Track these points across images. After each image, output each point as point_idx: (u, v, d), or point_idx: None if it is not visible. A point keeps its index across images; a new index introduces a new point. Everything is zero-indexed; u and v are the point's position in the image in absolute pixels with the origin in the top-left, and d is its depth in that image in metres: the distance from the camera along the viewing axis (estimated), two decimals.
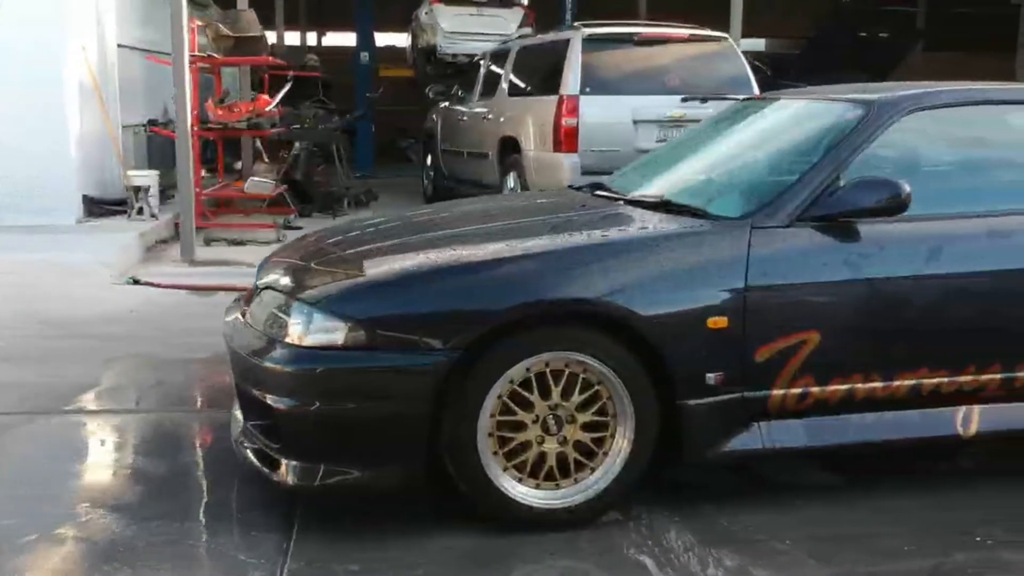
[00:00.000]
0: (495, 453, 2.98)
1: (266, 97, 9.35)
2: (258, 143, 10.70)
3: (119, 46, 9.34)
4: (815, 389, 3.16)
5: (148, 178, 8.81)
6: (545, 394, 3.00)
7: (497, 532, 3.00)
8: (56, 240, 7.51)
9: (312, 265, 3.35)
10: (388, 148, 16.93)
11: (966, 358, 3.26)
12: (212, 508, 3.25)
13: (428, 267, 3.06)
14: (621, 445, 3.06)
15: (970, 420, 3.31)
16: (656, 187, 3.73)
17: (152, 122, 10.21)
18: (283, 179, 10.05)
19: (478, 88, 10.37)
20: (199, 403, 4.44)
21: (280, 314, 3.10)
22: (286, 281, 3.28)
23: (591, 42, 8.36)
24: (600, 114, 8.12)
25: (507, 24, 13.84)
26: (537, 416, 3.01)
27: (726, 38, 8.79)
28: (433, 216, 4.11)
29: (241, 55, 9.28)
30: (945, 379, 3.25)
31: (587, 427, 3.05)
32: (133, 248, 7.64)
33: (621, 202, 3.67)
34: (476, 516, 3.04)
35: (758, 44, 20.23)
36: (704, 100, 8.31)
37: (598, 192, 3.92)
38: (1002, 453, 3.73)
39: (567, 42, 8.45)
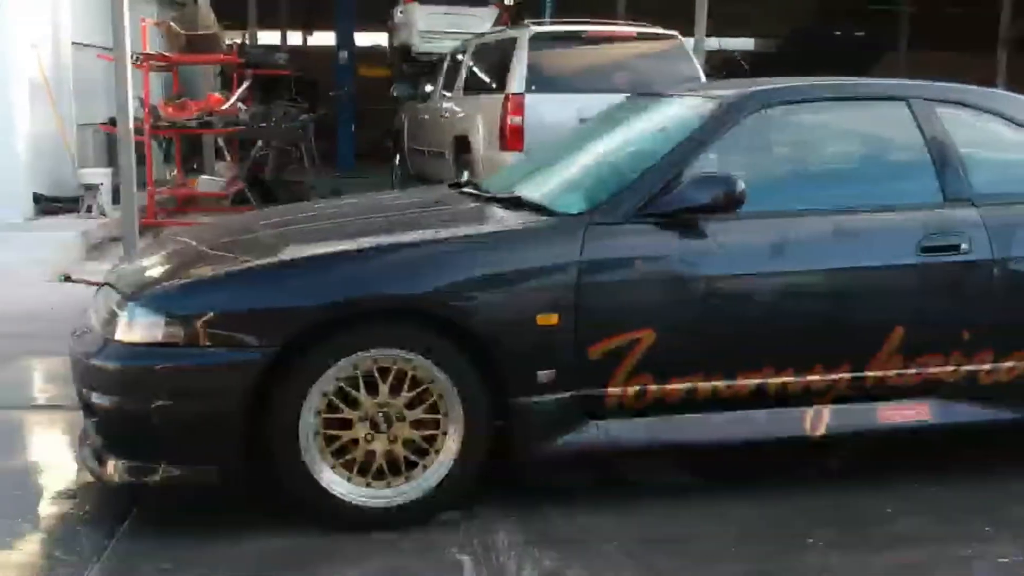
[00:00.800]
0: (321, 451, 2.96)
1: (217, 95, 9.36)
2: (220, 141, 10.70)
3: (74, 44, 9.35)
4: (653, 387, 3.12)
5: (100, 176, 8.83)
6: (374, 392, 2.98)
7: (321, 531, 2.98)
8: None
9: (143, 263, 3.35)
10: (379, 147, 16.94)
11: (813, 357, 3.22)
12: (52, 505, 3.24)
13: (248, 264, 3.04)
14: (453, 443, 3.03)
15: (820, 420, 3.27)
16: (519, 184, 3.70)
17: (112, 121, 10.22)
18: (249, 177, 10.06)
19: (439, 87, 10.37)
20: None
21: (112, 310, 3.09)
22: (122, 278, 3.26)
23: (538, 40, 8.32)
24: (546, 112, 8.07)
25: (481, 23, 13.82)
26: (365, 414, 2.99)
27: (675, 36, 8.73)
28: (301, 214, 4.05)
29: (194, 52, 9.28)
30: (792, 378, 3.21)
31: (418, 425, 3.02)
32: (74, 246, 7.65)
33: (478, 199, 3.64)
34: (306, 514, 3.02)
35: (748, 44, 20.19)
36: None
37: (464, 189, 3.89)
38: (869, 454, 3.69)
39: (514, 40, 8.42)
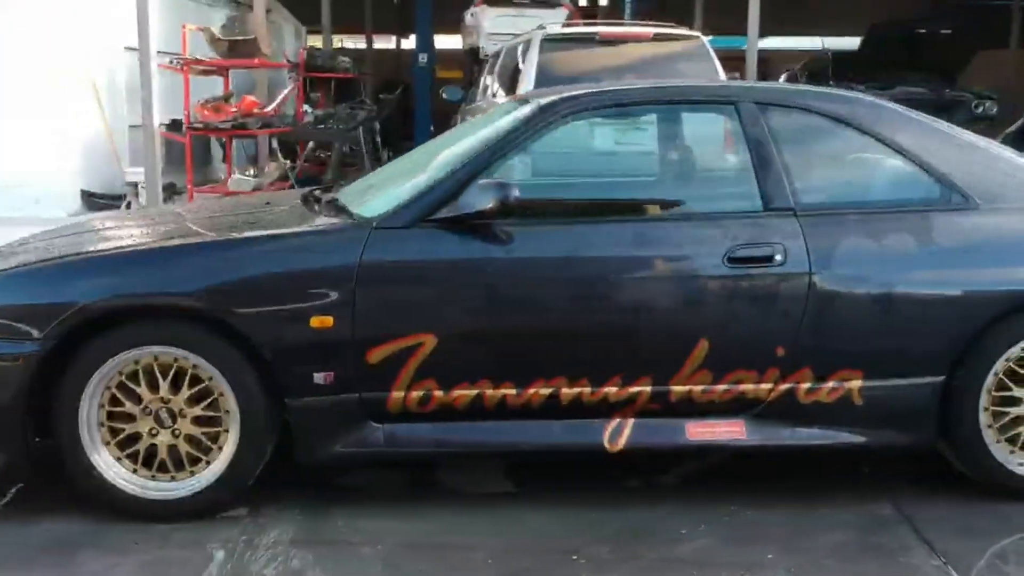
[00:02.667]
0: (106, 442, 3.08)
1: (251, 98, 9.70)
2: (274, 143, 11.08)
3: (127, 48, 9.84)
4: (439, 393, 3.10)
5: (142, 175, 9.30)
6: (156, 388, 3.08)
7: (98, 519, 3.09)
8: (25, 231, 8.02)
9: None
10: None
11: (609, 369, 3.12)
12: None
13: (37, 259, 3.18)
14: (232, 441, 3.09)
15: (620, 433, 3.17)
16: (367, 190, 3.70)
17: (173, 124, 10.75)
18: (309, 175, 10.39)
19: (480, 90, 10.45)
20: None
21: None
22: None
23: (550, 42, 8.30)
24: None
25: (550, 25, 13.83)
26: (148, 408, 3.08)
27: (697, 36, 8.54)
28: (186, 211, 4.15)
29: (236, 57, 9.65)
30: (587, 389, 3.12)
31: (200, 422, 3.10)
32: None
33: (306, 203, 3.64)
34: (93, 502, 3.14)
35: (842, 43, 19.41)
36: None
37: (312, 194, 3.91)
38: (709, 470, 3.55)
39: (529, 42, 8.41)
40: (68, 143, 9.11)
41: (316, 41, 17.65)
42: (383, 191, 3.38)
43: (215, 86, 11.05)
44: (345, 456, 3.12)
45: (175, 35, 10.65)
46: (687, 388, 3.14)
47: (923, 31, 13.42)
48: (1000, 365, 3.19)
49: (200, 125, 9.11)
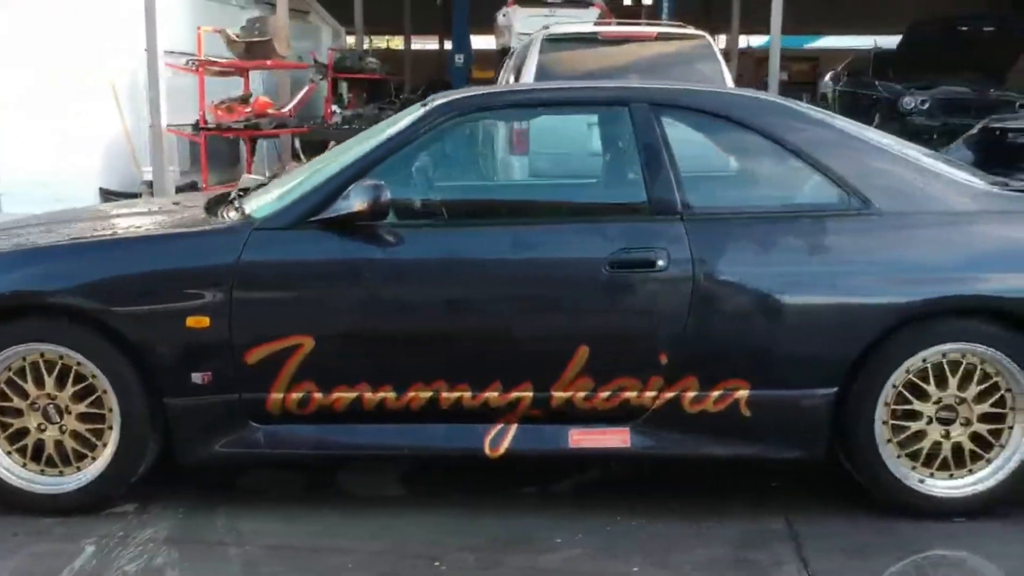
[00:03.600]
0: None
1: (264, 99, 9.83)
2: (297, 143, 11.23)
3: (147, 51, 10.07)
4: (318, 395, 3.09)
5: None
6: (43, 384, 3.13)
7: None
8: None
9: None
10: None
11: (489, 374, 3.08)
12: None
13: None
14: (115, 438, 3.13)
15: (502, 439, 3.12)
16: (265, 190, 3.69)
17: (195, 125, 10.95)
18: None
19: None
20: None
21: None
22: None
23: (552, 42, 8.26)
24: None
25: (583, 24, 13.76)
26: (36, 404, 3.14)
27: (703, 36, 8.40)
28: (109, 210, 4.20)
29: (252, 58, 9.79)
30: (467, 394, 3.08)
31: (84, 418, 3.14)
32: None
33: (208, 204, 3.65)
34: None
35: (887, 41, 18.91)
36: None
37: (228, 195, 3.91)
38: (627, 477, 3.48)
39: (532, 42, 8.38)
40: (88, 143, 9.34)
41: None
42: (279, 192, 3.39)
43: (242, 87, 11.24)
44: (225, 456, 3.13)
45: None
46: (569, 395, 3.08)
47: (965, 28, 13.01)
48: (899, 377, 3.06)
49: (213, 126, 9.25)
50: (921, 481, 3.11)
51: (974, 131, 4.44)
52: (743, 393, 3.05)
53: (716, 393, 3.06)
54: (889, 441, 3.10)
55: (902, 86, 12.97)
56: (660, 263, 3.02)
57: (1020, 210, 3.14)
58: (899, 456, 3.11)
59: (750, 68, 21.07)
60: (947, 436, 3.10)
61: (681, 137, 3.18)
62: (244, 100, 10.11)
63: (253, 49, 9.74)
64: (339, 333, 3.07)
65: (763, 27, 21.02)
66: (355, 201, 2.99)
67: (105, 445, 3.15)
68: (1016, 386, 3.07)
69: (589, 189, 3.27)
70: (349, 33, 17.70)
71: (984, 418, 3.10)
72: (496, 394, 3.09)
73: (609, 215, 3.15)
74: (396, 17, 18.10)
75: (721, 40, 21.60)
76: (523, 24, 14.19)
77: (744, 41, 22.00)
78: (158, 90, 8.22)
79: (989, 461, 3.12)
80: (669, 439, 3.10)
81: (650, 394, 3.07)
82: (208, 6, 11.43)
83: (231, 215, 3.32)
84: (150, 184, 9.36)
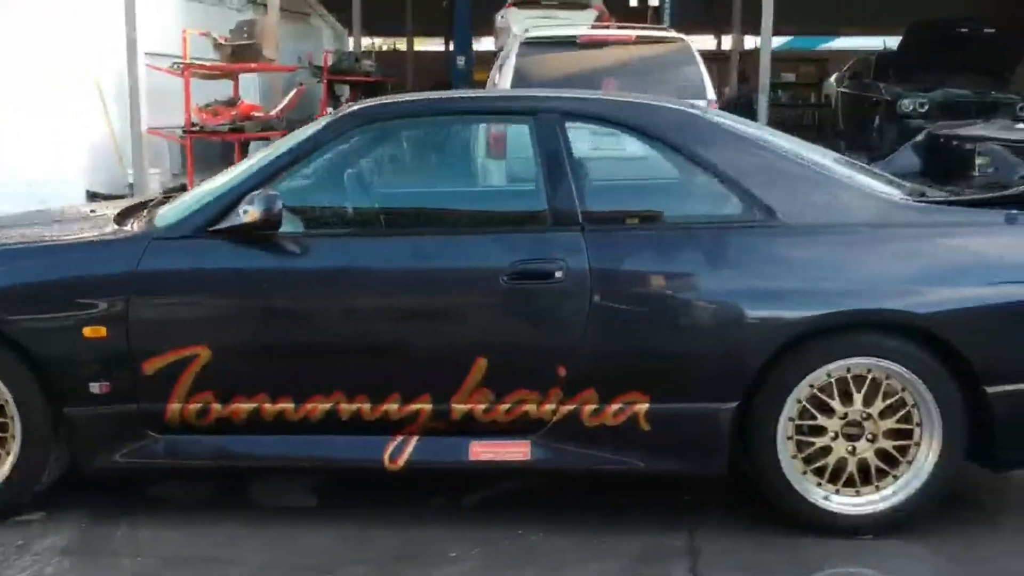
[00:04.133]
0: None
1: (248, 102, 9.86)
2: None
3: (147, 53, 10.10)
4: (216, 406, 3.08)
5: (148, 174, 9.55)
6: None
7: None
8: None
9: None
10: None
11: (388, 386, 3.05)
12: None
13: None
14: (16, 447, 3.12)
15: (402, 451, 3.09)
16: (187, 200, 3.66)
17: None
18: None
19: None
20: None
21: None
22: None
23: (529, 46, 8.23)
24: None
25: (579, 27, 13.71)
26: None
27: (681, 39, 8.34)
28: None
29: (238, 61, 9.83)
30: (367, 406, 3.06)
31: None
32: None
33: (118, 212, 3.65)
34: None
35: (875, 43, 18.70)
36: None
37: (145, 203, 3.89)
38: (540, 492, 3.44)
39: (512, 45, 8.35)
40: (74, 144, 9.40)
41: (364, 44, 17.89)
42: (187, 201, 3.38)
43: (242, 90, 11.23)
44: (125, 466, 3.13)
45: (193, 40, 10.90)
46: (468, 407, 3.05)
47: (966, 30, 12.84)
48: (803, 392, 3.01)
49: (198, 128, 9.30)
50: (826, 498, 3.06)
51: (920, 137, 4.37)
52: (642, 407, 3.01)
53: (615, 407, 3.02)
54: (794, 457, 3.05)
55: (901, 88, 12.84)
56: (558, 274, 2.99)
57: (927, 223, 3.08)
58: (804, 472, 3.05)
59: (756, 68, 20.90)
60: (853, 452, 3.05)
61: (586, 147, 3.15)
62: (231, 103, 10.15)
63: (239, 52, 9.77)
64: (236, 344, 3.06)
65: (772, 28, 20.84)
66: (249, 211, 2.98)
67: (9, 453, 3.15)
68: (922, 402, 3.01)
69: (492, 198, 3.24)
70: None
71: (890, 434, 3.04)
72: (395, 406, 3.06)
73: (510, 225, 3.12)
74: (399, 19, 18.14)
75: (727, 41, 21.52)
76: (520, 26, 14.17)
77: (753, 42, 21.85)
78: (138, 92, 8.27)
79: (896, 478, 3.06)
80: (569, 453, 3.07)
81: (550, 407, 3.04)
82: (201, 8, 11.49)
83: (138, 224, 3.32)
84: (131, 186, 9.43)
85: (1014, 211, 3.05)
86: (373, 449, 3.10)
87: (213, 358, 3.04)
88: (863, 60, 14.83)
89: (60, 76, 9.24)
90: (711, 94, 8.03)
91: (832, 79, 16.57)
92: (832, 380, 3.01)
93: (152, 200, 3.81)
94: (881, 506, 3.05)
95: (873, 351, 2.99)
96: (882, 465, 3.05)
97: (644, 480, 3.28)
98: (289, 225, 3.10)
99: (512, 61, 8.10)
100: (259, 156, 3.36)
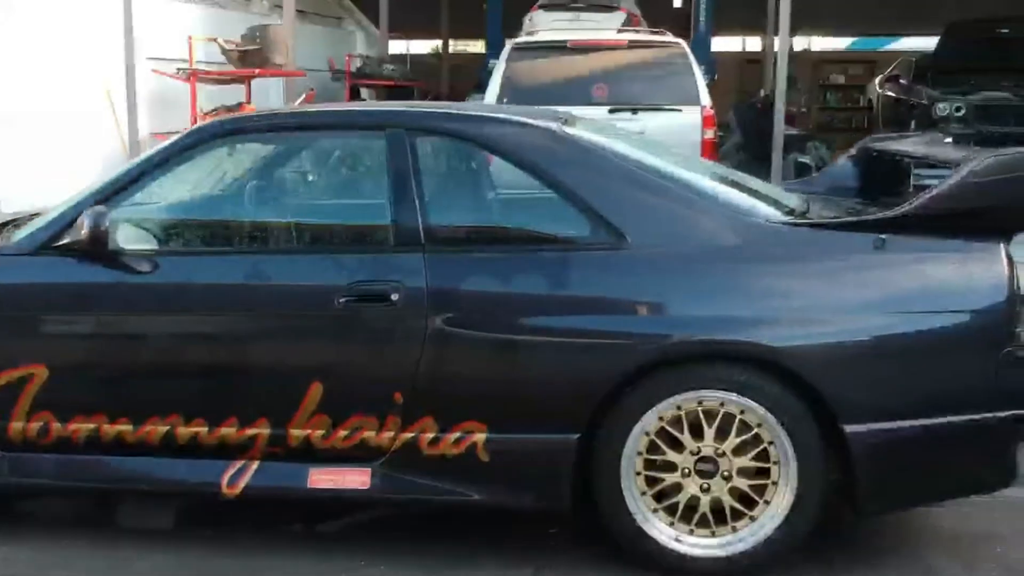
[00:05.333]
0: None
1: (249, 106, 9.88)
2: None
3: (149, 58, 10.25)
4: (56, 425, 3.03)
5: None
6: None
7: None
8: None
9: None
10: None
11: (225, 410, 2.97)
12: None
13: None
14: None
15: (242, 476, 3.00)
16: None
17: None
18: None
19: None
20: None
21: None
22: None
23: (519, 51, 8.12)
24: None
25: (606, 30, 13.51)
26: None
27: (676, 44, 8.10)
28: None
29: (246, 66, 9.87)
30: (203, 429, 2.98)
31: None
32: None
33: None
34: None
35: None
36: (635, 111, 7.77)
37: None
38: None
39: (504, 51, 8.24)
40: (85, 148, 9.56)
41: (399, 47, 17.95)
42: (44, 216, 3.34)
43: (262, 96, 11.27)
44: None
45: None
46: (306, 433, 2.95)
47: (1007, 31, 12.28)
48: (651, 425, 2.84)
49: None
50: (678, 539, 2.88)
51: (854, 150, 4.12)
52: (480, 436, 2.87)
53: (454, 436, 2.88)
54: (644, 493, 2.88)
55: (938, 91, 12.34)
56: (394, 296, 2.86)
57: (788, 247, 2.87)
58: (656, 511, 2.89)
59: (807, 70, 20.43)
60: (707, 490, 2.87)
61: (436, 164, 3.02)
62: (235, 108, 10.19)
63: (247, 57, 9.82)
64: (72, 363, 3.01)
65: (823, 28, 20.33)
66: (82, 227, 2.92)
67: None
68: (778, 439, 2.81)
69: (339, 215, 3.13)
70: (392, 38, 17.77)
71: (746, 473, 2.85)
72: (233, 430, 2.98)
73: (351, 244, 3.01)
74: (436, 22, 18.12)
75: (776, 43, 21.01)
76: (548, 28, 14.04)
77: (804, 43, 21.35)
78: (135, 95, 8.36)
79: (753, 519, 2.86)
80: (409, 482, 2.94)
81: (388, 435, 2.92)
82: (223, 15, 11.61)
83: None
84: None
85: (883, 236, 2.83)
86: (212, 473, 3.01)
87: (50, 377, 2.99)
88: (905, 62, 14.28)
89: (70, 80, 9.40)
90: (705, 99, 7.80)
91: (876, 81, 16.04)
92: (682, 413, 2.84)
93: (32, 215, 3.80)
94: (736, 549, 2.86)
95: (723, 384, 2.80)
96: (738, 505, 2.87)
97: (497, 513, 3.13)
98: (134, 241, 3.05)
99: (500, 68, 7.98)
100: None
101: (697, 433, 2.84)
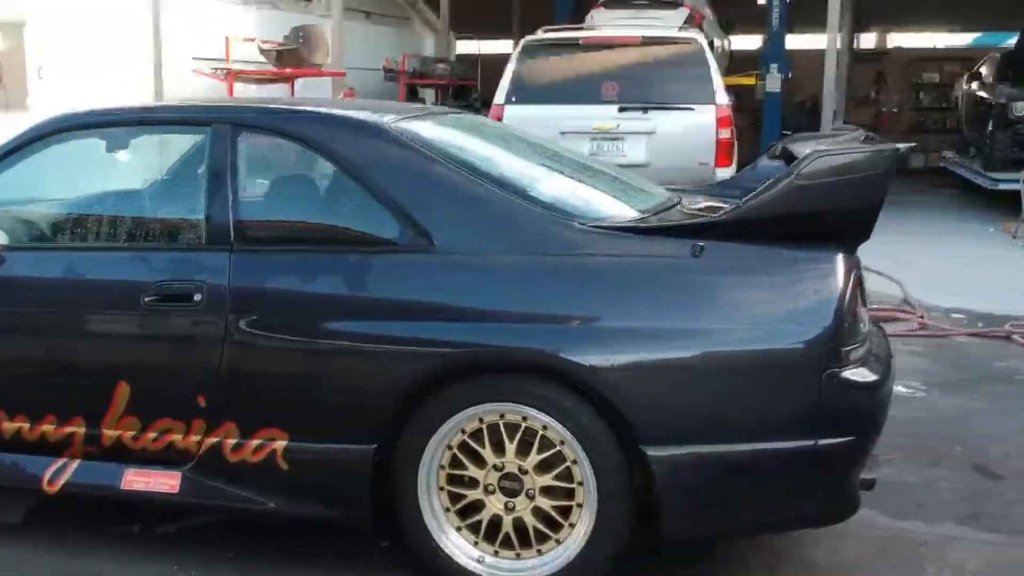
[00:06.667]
0: None
1: None
2: None
3: (194, 58, 10.50)
4: None
5: None
6: None
7: None
8: None
9: None
10: None
11: (42, 407, 2.96)
12: None
13: None
14: None
15: (62, 473, 2.99)
16: None
17: None
18: None
19: None
20: None
21: None
22: None
23: (530, 49, 7.93)
24: (525, 125, 7.64)
25: (667, 27, 13.18)
26: None
27: (693, 40, 7.80)
28: None
29: (284, 66, 10.01)
30: (25, 425, 2.98)
31: None
32: None
33: None
34: None
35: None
36: (645, 110, 7.53)
37: None
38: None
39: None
40: None
41: (468, 47, 17.97)
42: None
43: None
44: None
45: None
46: (118, 433, 2.91)
47: None
48: (453, 438, 2.68)
49: None
50: (480, 560, 2.71)
51: (776, 147, 3.86)
52: (280, 444, 2.77)
53: (255, 442, 2.79)
54: (448, 510, 2.73)
55: (1017, 90, 11.57)
56: (197, 297, 2.79)
57: (601, 253, 2.64)
58: (459, 528, 2.73)
59: (900, 68, 19.53)
60: (511, 509, 2.70)
61: (259, 162, 2.94)
62: None
63: (283, 57, 9.95)
64: None
65: (917, 25, 19.40)
66: None
67: None
68: (580, 459, 2.62)
69: (158, 212, 3.07)
70: (465, 38, 17.81)
71: (550, 492, 2.67)
72: (52, 427, 2.97)
73: (162, 241, 2.95)
74: (508, 21, 18.05)
75: (868, 40, 20.20)
76: (607, 25, 13.80)
77: (897, 40, 20.47)
78: (162, 94, 8.57)
79: (559, 542, 2.67)
80: (214, 488, 2.86)
81: (195, 439, 2.85)
82: (279, 16, 11.81)
83: None
84: None
85: (702, 243, 2.60)
86: (35, 470, 3.01)
87: None
88: (990, 59, 13.47)
89: (115, 83, 9.71)
90: (721, 99, 7.49)
91: (964, 79, 15.18)
92: (483, 426, 2.68)
93: None
94: (540, 573, 2.68)
95: (524, 398, 2.62)
96: (542, 527, 2.68)
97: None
98: None
99: (511, 65, 7.84)
100: None
101: (500, 448, 2.68)
